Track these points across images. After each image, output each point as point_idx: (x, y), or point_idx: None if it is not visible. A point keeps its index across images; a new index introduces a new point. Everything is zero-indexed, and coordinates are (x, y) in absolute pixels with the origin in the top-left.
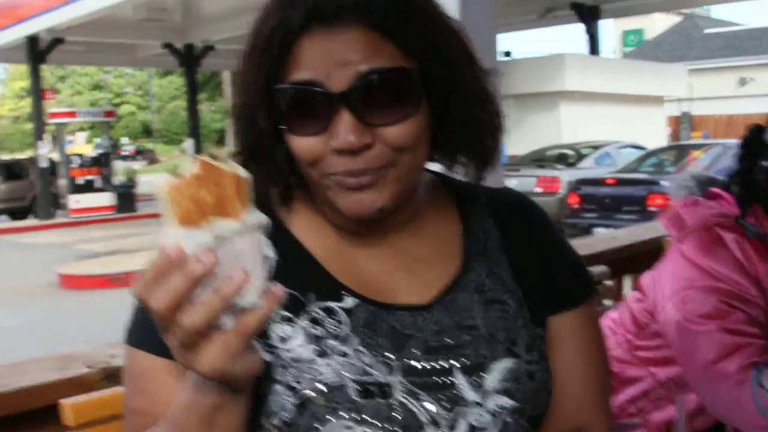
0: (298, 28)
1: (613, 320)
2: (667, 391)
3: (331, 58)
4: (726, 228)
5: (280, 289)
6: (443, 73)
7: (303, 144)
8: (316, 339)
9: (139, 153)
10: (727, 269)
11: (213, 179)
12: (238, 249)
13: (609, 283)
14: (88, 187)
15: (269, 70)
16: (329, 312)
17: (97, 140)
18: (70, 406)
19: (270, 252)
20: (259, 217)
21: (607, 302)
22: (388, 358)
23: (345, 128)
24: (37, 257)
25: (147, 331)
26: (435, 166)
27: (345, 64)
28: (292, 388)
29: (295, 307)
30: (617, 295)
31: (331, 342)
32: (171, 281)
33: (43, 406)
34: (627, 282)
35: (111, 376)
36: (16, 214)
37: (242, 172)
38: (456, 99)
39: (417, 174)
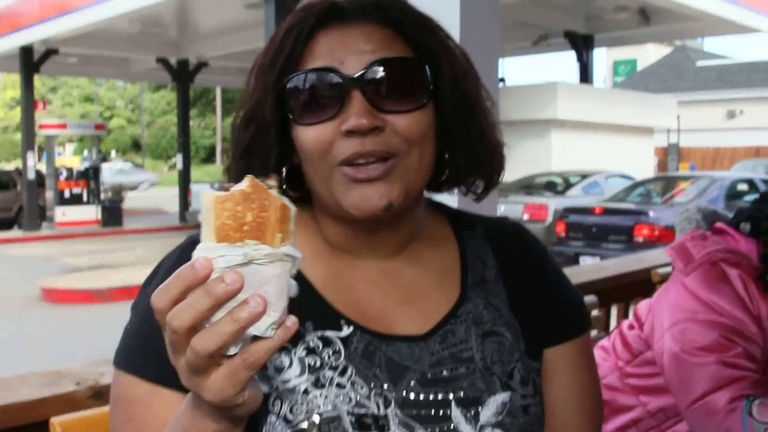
0: (315, 26)
1: (604, 348)
2: (656, 422)
3: (346, 47)
4: (731, 264)
5: (294, 323)
6: (454, 81)
7: (314, 132)
8: (312, 369)
9: None
10: (730, 305)
11: (259, 201)
12: (265, 276)
13: (596, 312)
14: (75, 200)
15: (283, 64)
16: (326, 342)
17: (86, 153)
18: (60, 424)
19: (294, 289)
20: (295, 252)
21: (594, 332)
22: (385, 389)
23: (357, 110)
24: (21, 269)
25: (139, 355)
26: (438, 198)
27: (359, 52)
28: (287, 420)
29: (292, 337)
30: (605, 325)
31: (328, 372)
32: (192, 299)
33: (31, 422)
34: (614, 312)
35: (99, 394)
36: (2, 225)
37: (290, 204)
38: (468, 114)
39: (422, 176)
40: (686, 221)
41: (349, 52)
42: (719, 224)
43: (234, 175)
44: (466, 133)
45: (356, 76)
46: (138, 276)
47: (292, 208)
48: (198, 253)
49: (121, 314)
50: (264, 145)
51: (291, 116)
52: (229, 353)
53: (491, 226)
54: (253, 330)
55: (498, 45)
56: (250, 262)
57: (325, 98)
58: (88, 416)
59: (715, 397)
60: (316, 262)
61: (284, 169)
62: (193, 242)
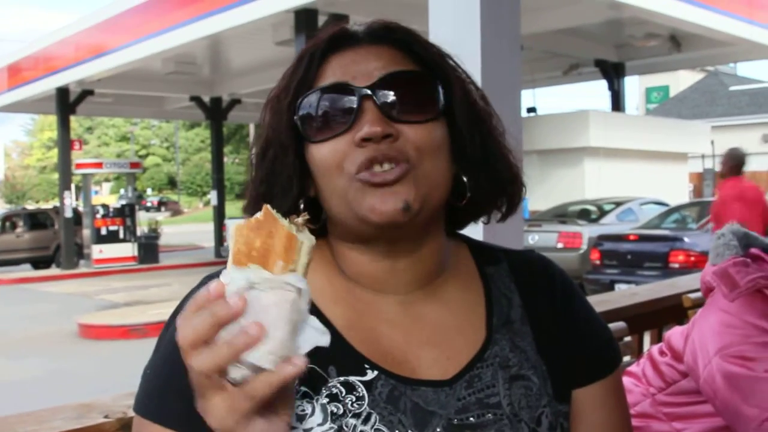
0: (326, 50)
1: (633, 374)
2: None
3: (357, 65)
4: None
5: (302, 362)
6: (466, 103)
7: (328, 147)
8: (334, 417)
9: (163, 204)
10: None
11: (268, 229)
12: (263, 303)
13: (628, 339)
14: (111, 238)
15: (296, 88)
16: (349, 387)
17: (122, 191)
18: None
19: (323, 338)
20: (297, 281)
21: (626, 359)
22: None
23: (371, 119)
24: (59, 307)
25: (162, 402)
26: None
27: (370, 69)
28: None
29: (315, 382)
30: (637, 352)
31: (351, 420)
32: (198, 316)
33: None
34: (647, 338)
35: (127, 427)
36: (40, 263)
37: (305, 239)
38: (485, 135)
39: (439, 189)
40: (725, 247)
41: (360, 69)
42: (755, 250)
43: (253, 209)
44: (484, 153)
45: (367, 87)
46: None
47: (306, 241)
48: (221, 276)
49: None
50: (284, 168)
51: (305, 136)
52: (233, 380)
53: (516, 261)
54: (250, 358)
55: (519, 76)
56: (252, 287)
57: (338, 113)
58: None
59: None
60: (337, 303)
61: (301, 201)
62: (209, 280)
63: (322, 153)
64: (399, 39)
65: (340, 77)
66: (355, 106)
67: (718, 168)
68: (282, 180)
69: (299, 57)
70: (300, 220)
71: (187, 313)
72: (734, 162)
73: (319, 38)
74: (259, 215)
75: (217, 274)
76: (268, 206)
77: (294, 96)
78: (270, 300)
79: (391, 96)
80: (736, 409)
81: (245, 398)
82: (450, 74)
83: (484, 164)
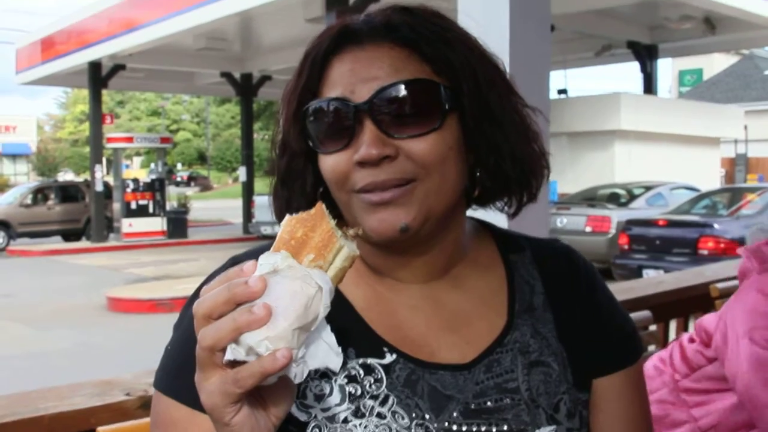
0: (328, 51)
1: (661, 359)
2: None
3: (357, 75)
4: None
5: (283, 357)
6: (476, 95)
7: (330, 162)
8: (352, 398)
9: (192, 179)
10: None
11: (313, 223)
12: (281, 289)
13: (653, 327)
14: (141, 212)
15: (301, 92)
16: (368, 369)
17: (152, 166)
18: None
19: (335, 360)
20: (324, 282)
21: (651, 348)
22: (426, 420)
23: (367, 139)
24: (88, 279)
25: (178, 378)
26: (479, 214)
27: (368, 79)
28: None
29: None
30: (662, 340)
31: (369, 402)
32: (216, 290)
33: (81, 431)
34: (672, 326)
35: (148, 404)
36: (70, 235)
37: (347, 246)
38: (495, 128)
39: (445, 198)
40: (760, 231)
41: (358, 80)
42: None
43: (280, 200)
44: (493, 149)
45: (364, 104)
46: None
47: (346, 249)
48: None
49: None
50: (298, 173)
51: (311, 144)
52: (228, 361)
53: (540, 250)
54: (248, 339)
55: (548, 58)
56: (275, 272)
57: (338, 128)
58: (132, 426)
59: None
60: (358, 285)
61: (320, 191)
62: (234, 262)
63: (326, 166)
64: (402, 37)
65: (340, 90)
66: (352, 124)
67: (751, 153)
68: (298, 183)
69: (304, 57)
70: (351, 231)
71: (213, 285)
72: None
73: (322, 37)
74: (312, 210)
75: (243, 256)
76: (322, 204)
77: (299, 102)
78: (288, 288)
79: (388, 112)
80: (756, 392)
81: (233, 383)
82: (460, 67)
83: (494, 158)
